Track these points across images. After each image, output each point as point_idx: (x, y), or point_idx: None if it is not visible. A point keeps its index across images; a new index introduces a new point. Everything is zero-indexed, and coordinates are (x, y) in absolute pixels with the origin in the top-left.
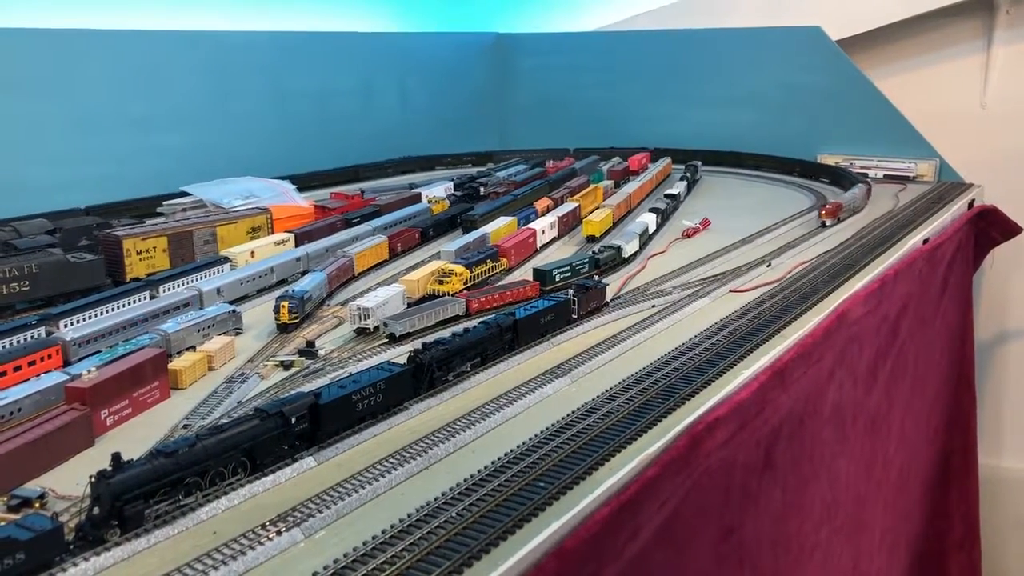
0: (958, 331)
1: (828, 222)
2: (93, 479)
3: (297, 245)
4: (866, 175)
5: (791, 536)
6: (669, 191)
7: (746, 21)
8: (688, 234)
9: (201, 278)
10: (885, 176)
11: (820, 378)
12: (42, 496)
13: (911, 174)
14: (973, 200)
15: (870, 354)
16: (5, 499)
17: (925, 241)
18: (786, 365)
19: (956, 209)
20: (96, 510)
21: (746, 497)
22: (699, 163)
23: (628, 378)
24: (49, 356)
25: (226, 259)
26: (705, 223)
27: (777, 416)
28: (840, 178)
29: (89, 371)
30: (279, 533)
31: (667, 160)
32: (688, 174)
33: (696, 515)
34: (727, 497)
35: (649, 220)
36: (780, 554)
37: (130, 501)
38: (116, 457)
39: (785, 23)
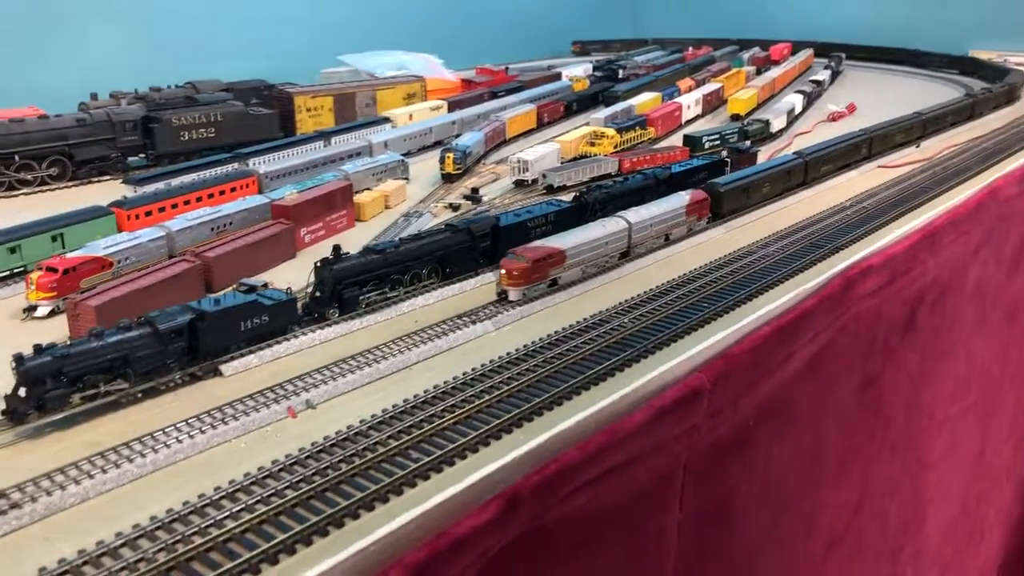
0: None
1: (513, 294)
2: (318, 264)
3: (449, 112)
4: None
5: (923, 404)
6: (814, 77)
7: None
8: (833, 117)
9: (368, 134)
10: None
11: (967, 251)
12: (264, 285)
13: None
14: None
15: (1017, 237)
16: (235, 287)
17: None
18: (936, 230)
19: None
20: (319, 293)
21: (888, 352)
22: (842, 55)
23: (781, 231)
24: (246, 185)
25: (387, 119)
26: (851, 108)
27: (924, 279)
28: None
29: (291, 193)
30: (473, 323)
31: (809, 51)
32: (832, 64)
33: (842, 355)
34: (871, 347)
35: (796, 101)
36: (912, 417)
37: (347, 287)
38: (336, 249)
39: None
